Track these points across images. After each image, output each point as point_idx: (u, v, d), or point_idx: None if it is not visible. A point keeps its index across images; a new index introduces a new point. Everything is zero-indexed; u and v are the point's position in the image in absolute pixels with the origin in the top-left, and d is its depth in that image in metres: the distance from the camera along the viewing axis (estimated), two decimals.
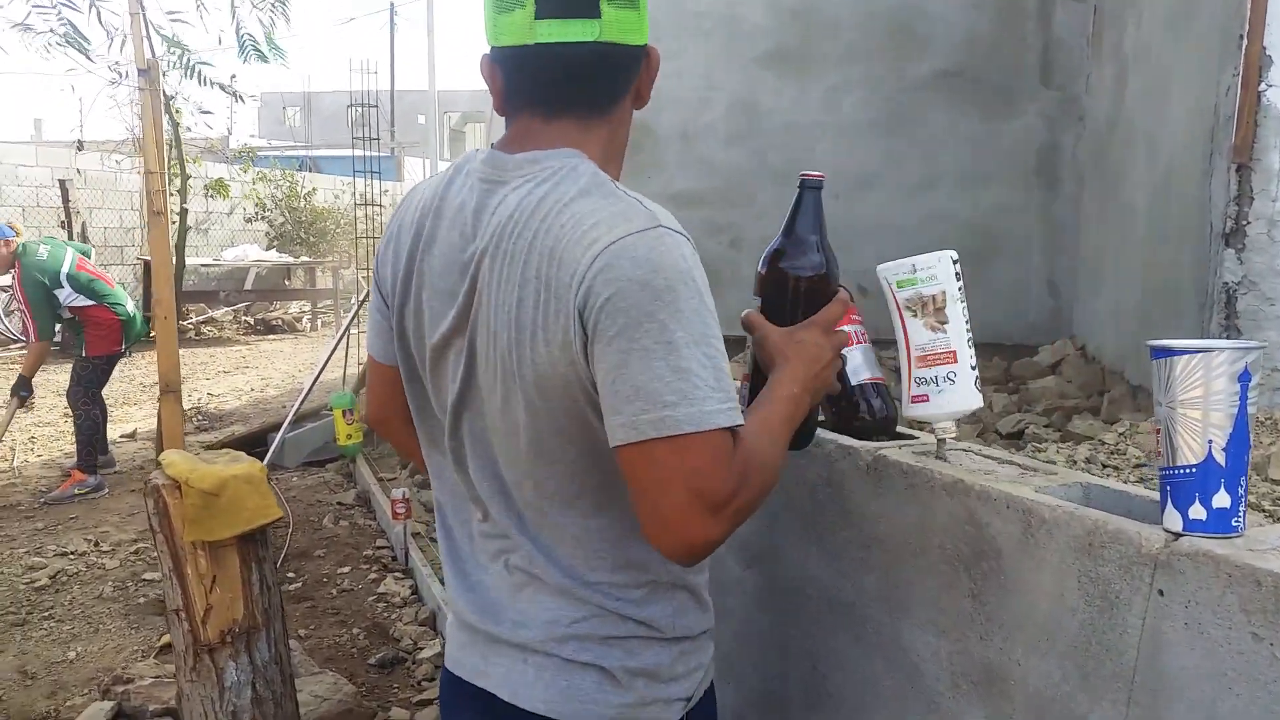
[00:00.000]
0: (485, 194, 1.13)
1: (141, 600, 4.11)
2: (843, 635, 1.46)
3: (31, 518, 5.27)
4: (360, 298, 7.03)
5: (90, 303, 5.61)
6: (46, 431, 7.31)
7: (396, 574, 4.31)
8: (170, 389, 2.52)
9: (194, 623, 2.05)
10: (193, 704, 2.13)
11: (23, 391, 5.73)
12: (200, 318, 12.58)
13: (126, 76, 2.81)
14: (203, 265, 12.95)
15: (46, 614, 4.00)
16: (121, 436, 7.12)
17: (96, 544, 4.78)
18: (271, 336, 13.28)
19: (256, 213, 15.02)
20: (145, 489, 2.03)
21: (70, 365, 5.87)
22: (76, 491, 5.52)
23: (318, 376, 6.40)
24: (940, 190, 5.29)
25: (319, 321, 14.25)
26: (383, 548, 4.66)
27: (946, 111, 5.24)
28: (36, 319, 5.56)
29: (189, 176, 3.77)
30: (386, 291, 1.26)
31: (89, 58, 2.80)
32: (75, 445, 5.72)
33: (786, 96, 5.21)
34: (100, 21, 2.78)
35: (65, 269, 5.57)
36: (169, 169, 2.56)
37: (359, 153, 7.19)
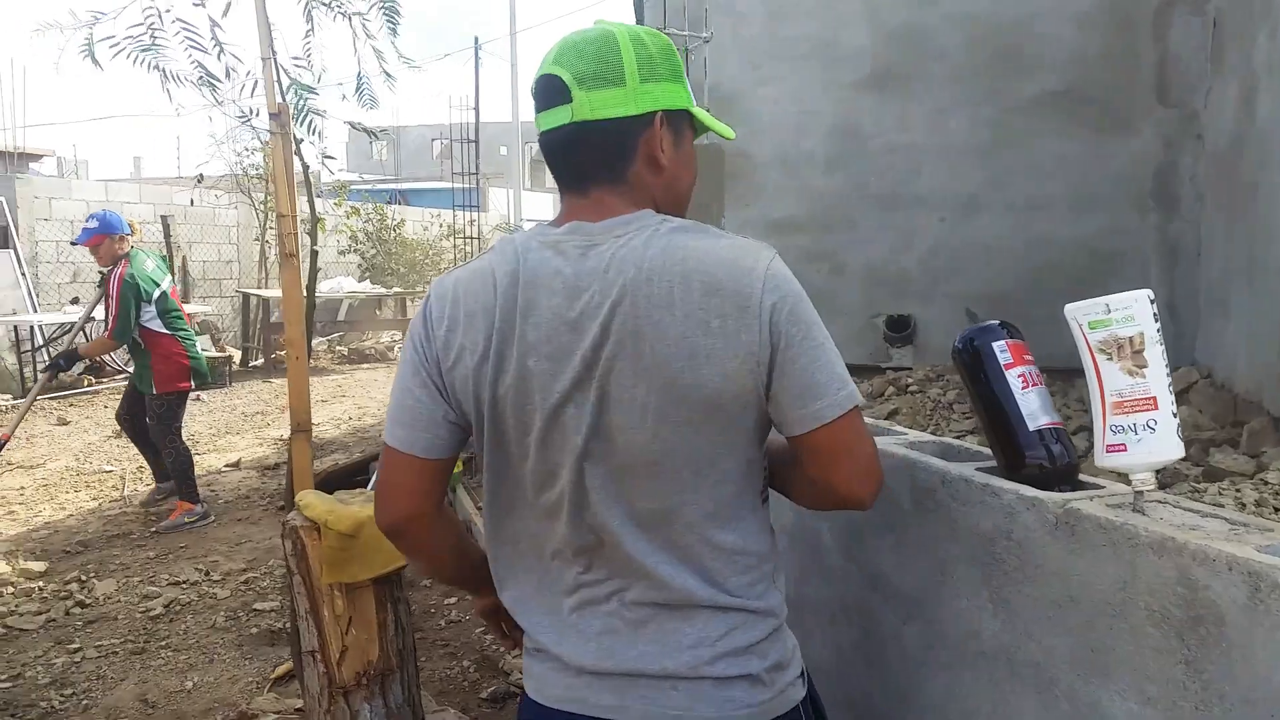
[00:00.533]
0: (580, 257, 1.26)
1: (254, 631, 4.16)
2: (1028, 699, 1.37)
3: (143, 546, 5.41)
4: None
5: (165, 331, 5.67)
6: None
7: None
8: (301, 429, 2.53)
9: (330, 664, 2.04)
10: None
11: (61, 362, 5.83)
12: None
13: (256, 115, 2.88)
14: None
15: (163, 643, 4.07)
16: (226, 466, 7.30)
17: (207, 573, 4.87)
18: (365, 365, 13.54)
19: (349, 245, 15.39)
20: (284, 530, 2.03)
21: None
22: (186, 520, 5.65)
23: None
24: (1050, 212, 5.12)
25: None
26: None
27: (1056, 132, 5.08)
28: (120, 320, 5.55)
29: (320, 218, 3.81)
30: (453, 381, 1.30)
31: (216, 99, 2.85)
32: (174, 481, 5.83)
33: (888, 120, 5.11)
34: (226, 73, 2.83)
35: (162, 288, 5.72)
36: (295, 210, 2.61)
37: (457, 185, 7.29)
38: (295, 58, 2.75)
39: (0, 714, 3.44)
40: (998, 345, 1.43)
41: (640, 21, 4.98)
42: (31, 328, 10.90)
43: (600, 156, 1.29)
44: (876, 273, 5.29)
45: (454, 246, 16.49)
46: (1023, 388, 1.41)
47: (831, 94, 5.17)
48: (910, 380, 4.61)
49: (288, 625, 4.18)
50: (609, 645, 1.29)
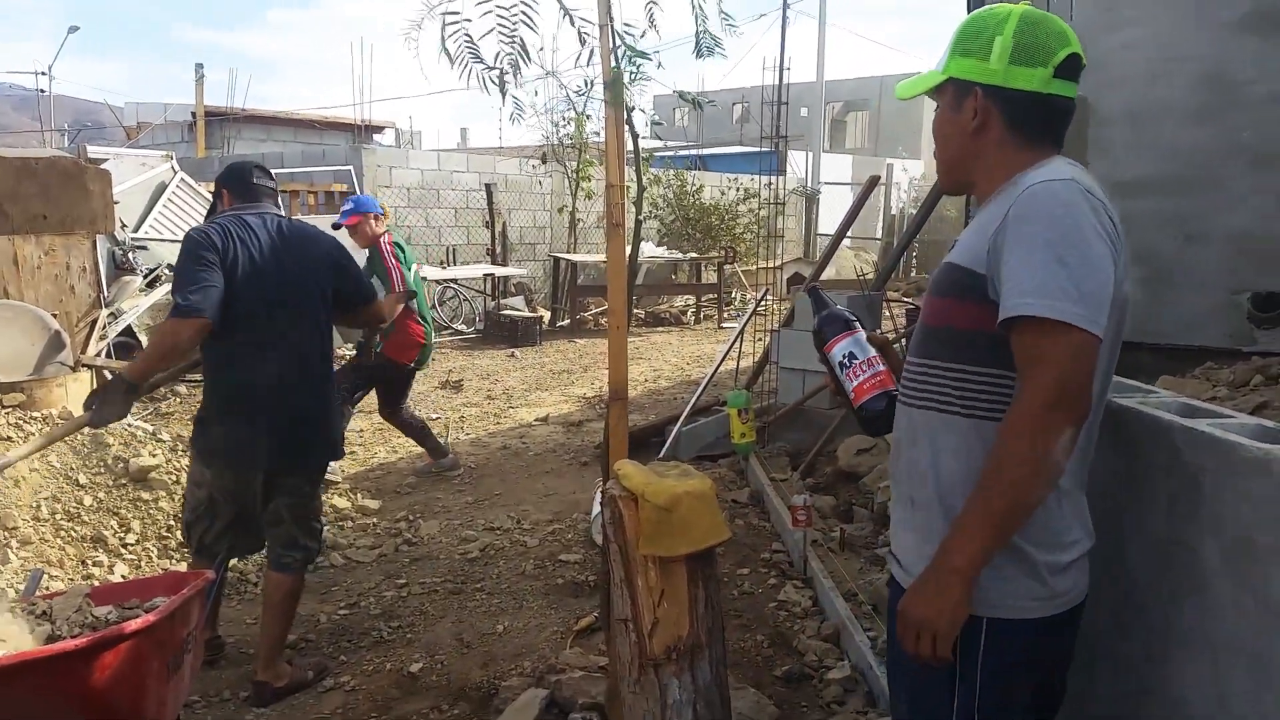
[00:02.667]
0: None
1: (559, 581, 4.31)
2: None
3: (463, 491, 5.80)
4: (760, 296, 7.01)
5: (413, 309, 5.76)
6: (474, 411, 8.09)
7: (796, 582, 4.17)
8: (618, 396, 2.53)
9: (641, 635, 2.01)
10: (635, 716, 2.09)
11: (362, 346, 5.85)
12: (598, 309, 13.43)
13: (590, 87, 2.89)
14: (603, 261, 13.77)
15: (478, 585, 4.31)
16: (535, 420, 7.71)
17: (519, 521, 5.13)
18: (659, 329, 13.87)
19: (650, 211, 15.77)
20: (602, 498, 2.02)
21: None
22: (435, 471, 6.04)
23: (712, 375, 6.48)
24: None
25: (701, 315, 14.67)
26: (779, 552, 4.54)
27: None
28: (403, 276, 5.60)
29: (644, 188, 3.79)
30: (1119, 274, 1.53)
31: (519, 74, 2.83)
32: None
33: (1273, 65, 4.37)
34: (578, 32, 2.81)
35: (414, 270, 5.81)
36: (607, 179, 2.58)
37: (757, 149, 7.19)
38: (627, 24, 2.68)
39: (339, 639, 3.78)
40: None
41: None
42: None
43: None
44: (1244, 242, 4.58)
45: (751, 211, 16.43)
46: None
47: (1200, 37, 4.49)
48: None
49: (591, 579, 4.30)
50: None
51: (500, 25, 2.75)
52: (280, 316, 3.14)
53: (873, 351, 1.91)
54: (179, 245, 3.11)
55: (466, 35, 2.84)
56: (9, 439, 4.55)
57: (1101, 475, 1.99)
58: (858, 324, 1.96)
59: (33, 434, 4.61)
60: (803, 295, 6.43)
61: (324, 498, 5.32)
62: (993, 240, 1.52)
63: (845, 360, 1.90)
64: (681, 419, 6.10)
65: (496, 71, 2.84)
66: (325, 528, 4.80)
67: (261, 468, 3.20)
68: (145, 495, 4.58)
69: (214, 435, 3.20)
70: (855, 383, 1.88)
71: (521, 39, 2.88)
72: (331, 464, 5.23)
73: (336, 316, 3.40)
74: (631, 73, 2.70)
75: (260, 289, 3.10)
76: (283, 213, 3.38)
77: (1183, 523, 1.78)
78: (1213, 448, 1.70)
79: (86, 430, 4.82)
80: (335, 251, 3.39)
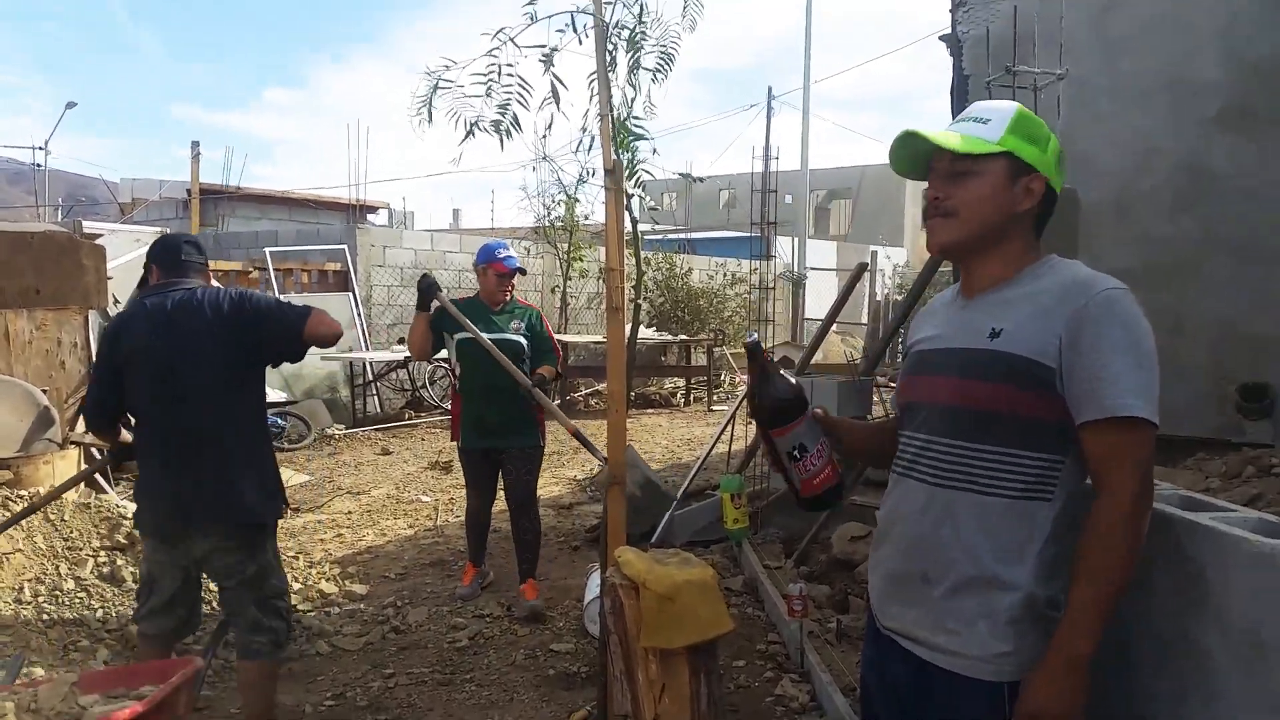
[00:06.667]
0: None
1: (550, 672, 4.22)
2: None
3: (452, 576, 5.70)
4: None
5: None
6: (463, 493, 7.98)
7: (793, 676, 4.09)
8: (617, 481, 2.52)
9: None
10: None
11: (547, 384, 4.92)
12: (588, 390, 13.43)
13: (593, 174, 2.93)
14: (593, 342, 13.85)
15: (467, 676, 4.21)
16: None
17: (509, 609, 5.03)
18: (649, 411, 13.86)
19: (642, 294, 15.92)
20: (602, 587, 1.99)
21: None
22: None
23: (704, 459, 6.47)
24: None
25: (692, 397, 14.68)
26: (774, 643, 4.47)
27: None
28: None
29: (643, 273, 3.79)
30: None
31: (507, 137, 2.87)
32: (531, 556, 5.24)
33: (1247, 160, 4.49)
34: (549, 124, 2.87)
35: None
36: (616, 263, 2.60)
37: (745, 234, 7.28)
38: (637, 117, 2.76)
39: None
40: None
41: (959, 64, 4.70)
42: (365, 364, 12.09)
43: None
44: (1226, 333, 4.66)
45: (739, 295, 16.60)
46: None
47: (1180, 132, 4.64)
48: (1274, 461, 3.97)
49: (583, 670, 4.21)
50: None
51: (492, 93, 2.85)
52: (164, 394, 3.19)
53: (821, 437, 1.86)
54: None
55: (461, 89, 2.91)
56: None
57: None
58: (804, 399, 1.86)
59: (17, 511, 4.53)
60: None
61: (309, 582, 5.25)
62: (1063, 337, 1.61)
63: (796, 452, 1.84)
64: (674, 504, 6.06)
65: (490, 122, 2.91)
66: (297, 610, 4.71)
67: (167, 534, 3.24)
68: (130, 582, 4.50)
69: (138, 510, 3.33)
70: (805, 475, 1.84)
71: (514, 114, 2.95)
72: None
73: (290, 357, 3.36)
74: (630, 159, 2.76)
75: (141, 375, 3.21)
76: (205, 286, 3.35)
77: (1188, 617, 1.77)
78: (1216, 542, 1.71)
79: (72, 510, 4.77)
80: (228, 316, 3.23)
